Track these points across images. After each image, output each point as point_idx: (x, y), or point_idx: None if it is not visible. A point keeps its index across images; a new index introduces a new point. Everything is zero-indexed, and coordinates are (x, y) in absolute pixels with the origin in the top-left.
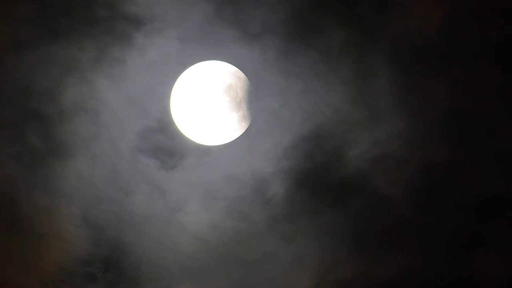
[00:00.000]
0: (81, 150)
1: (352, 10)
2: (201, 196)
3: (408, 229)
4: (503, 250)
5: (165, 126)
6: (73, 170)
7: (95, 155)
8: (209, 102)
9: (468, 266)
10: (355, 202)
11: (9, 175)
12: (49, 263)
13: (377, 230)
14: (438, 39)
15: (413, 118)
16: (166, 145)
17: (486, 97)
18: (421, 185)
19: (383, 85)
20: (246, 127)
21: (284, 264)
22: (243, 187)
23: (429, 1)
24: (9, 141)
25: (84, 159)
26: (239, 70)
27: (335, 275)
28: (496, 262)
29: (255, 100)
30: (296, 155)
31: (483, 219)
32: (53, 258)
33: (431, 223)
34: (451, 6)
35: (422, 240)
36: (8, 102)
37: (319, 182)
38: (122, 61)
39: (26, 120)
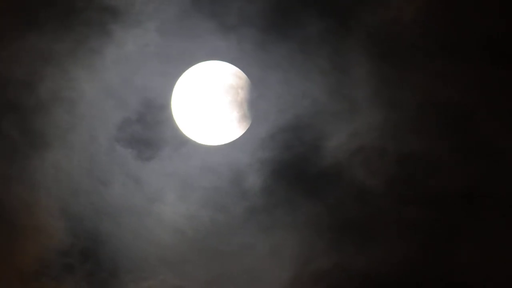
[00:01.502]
0: (59, 141)
1: (329, 0)
2: (178, 186)
3: (387, 220)
4: (481, 241)
5: (143, 117)
6: (51, 161)
7: (73, 146)
8: (209, 102)
9: (446, 257)
10: (333, 193)
11: None
12: (27, 255)
13: (355, 221)
14: (414, 30)
15: (390, 109)
16: (143, 136)
17: (463, 87)
18: (399, 176)
19: (360, 75)
20: (247, 127)
21: (262, 255)
22: (220, 178)
23: None
24: None
25: (62, 150)
26: (240, 71)
27: (313, 266)
28: (475, 253)
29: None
30: (273, 146)
31: (461, 210)
32: (31, 250)
33: (409, 214)
34: None
35: (400, 231)
36: None
37: (297, 173)
38: (99, 52)
39: (3, 111)
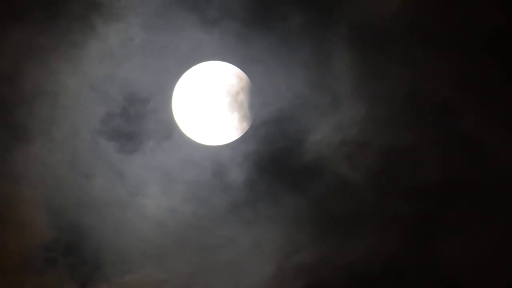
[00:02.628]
0: (41, 135)
1: None
2: (161, 180)
3: (370, 213)
4: (464, 234)
5: (125, 110)
6: (33, 154)
7: (55, 140)
8: (210, 102)
9: (429, 250)
10: (316, 187)
11: None
12: (10, 249)
13: (338, 215)
14: (397, 23)
15: (373, 102)
16: (126, 129)
17: (445, 81)
18: (382, 169)
19: (342, 68)
20: (247, 128)
21: (245, 248)
22: (203, 171)
23: None
24: None
25: (44, 143)
26: (241, 71)
27: (296, 259)
28: (458, 246)
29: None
30: (256, 140)
31: (444, 203)
32: (13, 244)
33: (392, 207)
34: None
35: (383, 224)
36: None
37: (280, 167)
38: (82, 46)
39: None
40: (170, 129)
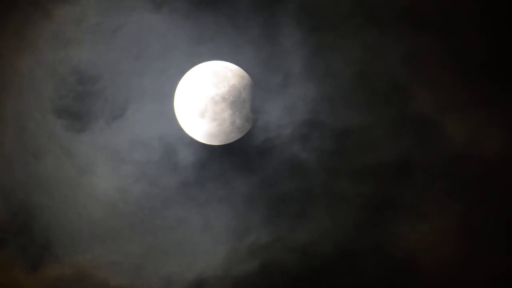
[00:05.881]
0: None
1: None
2: (109, 159)
3: (322, 194)
4: (416, 215)
5: (75, 90)
6: None
7: (5, 118)
8: (211, 102)
9: (382, 230)
10: (267, 168)
11: None
12: None
13: (290, 195)
14: (347, 1)
15: (324, 82)
16: (75, 108)
17: (397, 60)
18: (334, 150)
19: (292, 47)
20: (249, 127)
21: (196, 229)
22: (153, 151)
23: None
24: None
25: None
26: (242, 70)
27: (250, 240)
28: (410, 226)
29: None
30: (206, 120)
31: (396, 184)
32: None
33: (344, 188)
34: None
35: (336, 205)
36: None
37: (230, 147)
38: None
39: None
40: (119, 109)
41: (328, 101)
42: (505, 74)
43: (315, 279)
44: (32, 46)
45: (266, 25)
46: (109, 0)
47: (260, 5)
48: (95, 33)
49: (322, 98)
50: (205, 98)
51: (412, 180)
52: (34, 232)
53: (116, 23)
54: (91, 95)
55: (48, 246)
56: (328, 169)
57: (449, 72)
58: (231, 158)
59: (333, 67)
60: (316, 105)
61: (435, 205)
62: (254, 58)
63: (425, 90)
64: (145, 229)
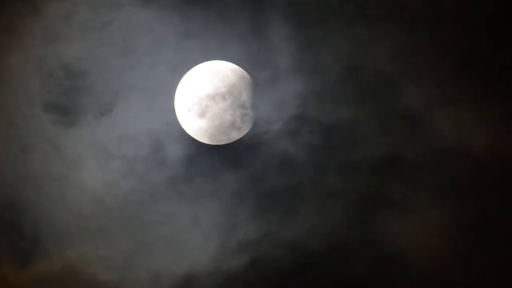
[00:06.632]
0: None
1: None
2: (97, 154)
3: (311, 190)
4: (405, 211)
5: (63, 84)
6: None
7: None
8: (212, 102)
9: (371, 226)
10: (256, 163)
11: None
12: None
13: (279, 190)
14: None
15: (312, 77)
16: (64, 103)
17: (386, 55)
18: (323, 145)
19: (280, 42)
20: (250, 127)
21: (185, 224)
22: (141, 146)
23: None
24: None
25: None
26: (243, 70)
27: (239, 234)
28: (399, 222)
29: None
30: (194, 115)
31: (385, 179)
32: None
33: (333, 183)
34: None
35: (325, 200)
36: None
37: (219, 142)
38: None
39: None
40: (108, 104)
41: (317, 96)
42: (495, 70)
43: (305, 274)
44: (21, 41)
45: (255, 20)
46: None
47: (248, 0)
48: (84, 28)
49: (311, 93)
50: (205, 96)
51: (401, 175)
52: (22, 228)
53: (105, 18)
54: (79, 90)
55: (37, 242)
56: (317, 164)
57: (439, 67)
58: (220, 153)
59: (322, 62)
60: (305, 100)
61: (425, 200)
62: (243, 53)
63: (414, 86)
64: (133, 224)
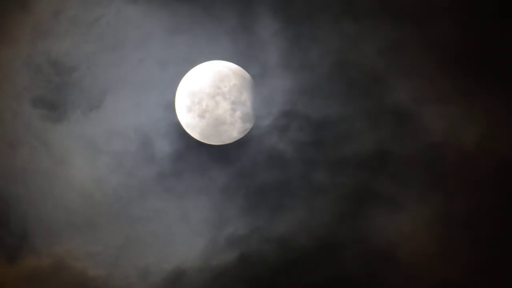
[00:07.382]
0: None
1: None
2: (86, 150)
3: (300, 185)
4: (394, 206)
5: (52, 79)
6: None
7: None
8: (212, 102)
9: (360, 221)
10: (245, 159)
11: None
12: None
13: (268, 186)
14: None
15: (301, 72)
16: (52, 98)
17: (374, 50)
18: (312, 141)
19: (269, 38)
20: (251, 127)
21: (174, 220)
22: (130, 142)
23: None
24: None
25: None
26: (243, 70)
27: (228, 230)
28: (388, 217)
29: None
30: (183, 111)
31: (373, 175)
32: None
33: (322, 179)
34: None
35: (314, 196)
36: None
37: (208, 138)
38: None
39: None
40: (96, 100)
41: (306, 92)
42: (483, 65)
43: (294, 269)
44: (10, 37)
45: (243, 16)
46: None
47: None
48: (72, 24)
49: (300, 89)
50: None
51: (390, 171)
52: (11, 223)
53: (93, 14)
54: (68, 85)
55: (26, 237)
56: (306, 160)
57: (427, 63)
58: (209, 149)
59: (310, 57)
60: (294, 96)
61: (414, 196)
62: (231, 48)
63: (403, 81)
64: (122, 219)
